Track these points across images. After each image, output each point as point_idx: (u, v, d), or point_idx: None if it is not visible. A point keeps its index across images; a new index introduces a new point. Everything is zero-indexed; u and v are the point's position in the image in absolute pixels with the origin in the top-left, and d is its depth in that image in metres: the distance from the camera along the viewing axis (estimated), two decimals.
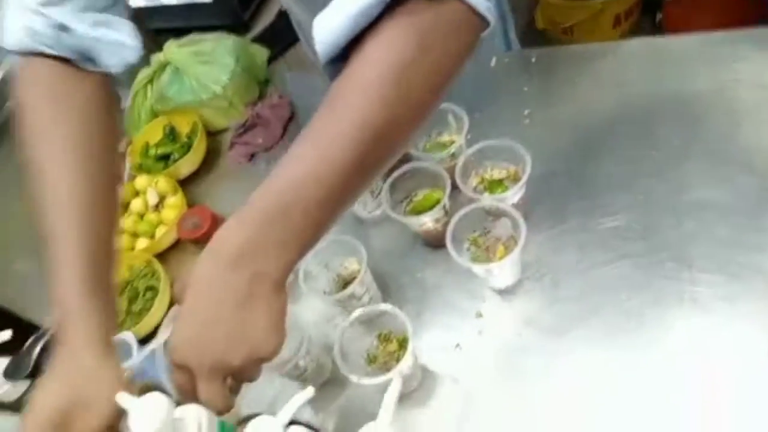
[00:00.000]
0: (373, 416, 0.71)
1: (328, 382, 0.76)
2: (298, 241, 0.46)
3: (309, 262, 0.77)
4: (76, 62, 0.64)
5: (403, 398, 0.70)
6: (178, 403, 0.48)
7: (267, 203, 0.45)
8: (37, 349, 0.59)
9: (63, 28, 0.61)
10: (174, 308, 0.55)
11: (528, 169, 0.72)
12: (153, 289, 0.92)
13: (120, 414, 0.45)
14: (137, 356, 0.68)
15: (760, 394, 0.59)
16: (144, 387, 0.54)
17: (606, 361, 0.66)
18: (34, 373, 0.59)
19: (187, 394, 0.47)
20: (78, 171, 0.57)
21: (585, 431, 0.62)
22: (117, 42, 0.64)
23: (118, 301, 0.58)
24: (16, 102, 0.60)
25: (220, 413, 0.47)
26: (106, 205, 0.58)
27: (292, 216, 0.45)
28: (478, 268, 0.69)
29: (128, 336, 0.78)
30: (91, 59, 0.65)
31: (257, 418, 0.39)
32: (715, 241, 0.70)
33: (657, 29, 1.94)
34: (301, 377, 0.73)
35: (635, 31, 1.96)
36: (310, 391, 0.40)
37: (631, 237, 0.74)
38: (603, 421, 0.62)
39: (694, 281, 0.68)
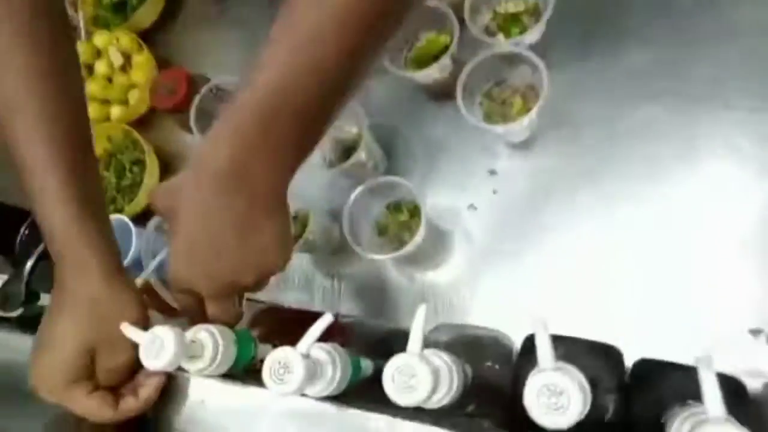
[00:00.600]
0: (384, 280, 0.71)
1: (338, 248, 0.74)
2: (294, 149, 0.40)
3: None
4: None
5: (418, 263, 0.69)
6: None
7: (250, 113, 0.38)
8: (27, 269, 0.55)
9: None
10: (156, 219, 0.49)
11: (551, 1, 0.61)
12: (139, 163, 0.86)
13: None
14: (150, 268, 0.64)
15: None
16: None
17: (629, 217, 0.62)
18: (30, 299, 0.55)
19: (194, 316, 0.46)
20: (39, 73, 0.45)
21: (604, 287, 0.61)
22: None
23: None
24: None
25: (231, 326, 0.46)
26: (78, 110, 0.49)
27: (281, 122, 0.38)
28: (492, 128, 0.62)
29: (121, 220, 0.73)
30: None
31: (277, 350, 0.36)
32: (754, 74, 0.61)
33: None
34: (310, 249, 0.71)
35: None
36: (328, 318, 0.37)
37: (661, 74, 0.65)
38: (624, 277, 0.61)
39: (731, 124, 0.61)
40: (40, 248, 0.55)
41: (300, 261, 0.75)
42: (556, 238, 0.65)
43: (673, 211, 0.61)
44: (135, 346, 0.41)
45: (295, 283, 0.75)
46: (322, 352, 0.39)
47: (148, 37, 0.93)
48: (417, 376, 0.33)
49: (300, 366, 0.36)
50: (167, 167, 0.88)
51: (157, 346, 0.39)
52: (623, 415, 0.40)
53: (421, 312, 0.35)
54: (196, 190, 0.40)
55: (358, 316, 0.56)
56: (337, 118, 0.41)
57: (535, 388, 0.31)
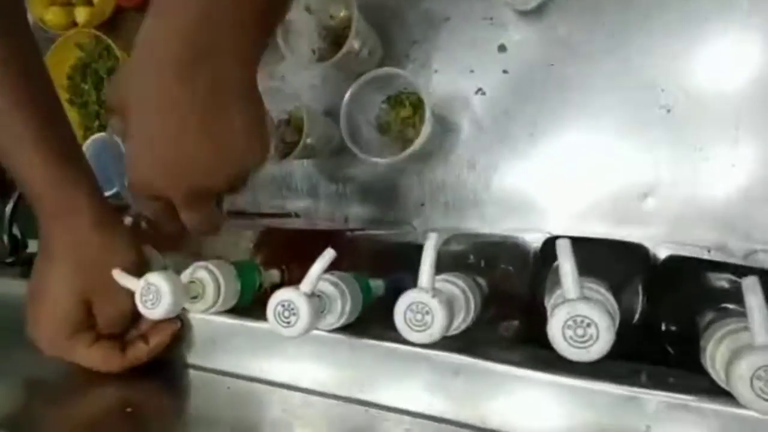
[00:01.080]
0: (392, 179, 0.67)
1: (340, 150, 0.69)
2: (253, 21, 0.35)
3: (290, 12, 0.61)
4: None
5: (426, 157, 0.65)
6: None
7: None
8: (6, 216, 0.51)
9: None
10: (114, 121, 0.43)
11: None
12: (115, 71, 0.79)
13: None
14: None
15: None
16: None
17: (655, 86, 0.56)
18: (17, 247, 0.52)
19: (171, 225, 0.41)
20: None
21: (629, 171, 0.57)
22: None
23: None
24: None
25: (213, 234, 0.42)
26: (38, 64, 0.44)
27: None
28: None
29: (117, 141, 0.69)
30: None
31: (281, 290, 0.34)
32: None
33: None
34: (310, 155, 0.66)
35: None
36: (330, 253, 0.33)
37: None
38: (655, 150, 0.56)
39: None
40: (16, 195, 0.51)
41: (302, 167, 0.71)
42: (574, 120, 0.59)
43: (702, 73, 0.54)
44: (131, 294, 0.39)
45: (300, 191, 0.72)
46: (329, 285, 0.37)
47: None
48: (431, 312, 0.31)
49: (305, 306, 0.33)
50: None
51: (153, 295, 0.37)
52: (653, 317, 0.38)
53: (430, 242, 0.31)
54: (149, 79, 0.35)
55: (366, 229, 0.53)
56: None
57: (561, 319, 0.28)
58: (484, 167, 0.63)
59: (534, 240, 0.45)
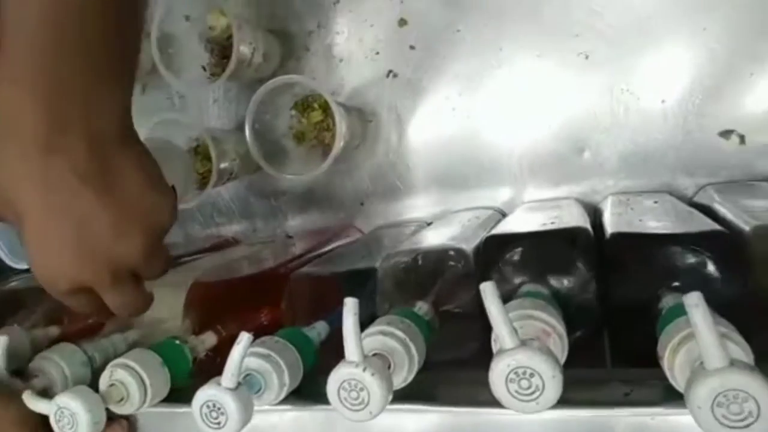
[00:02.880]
0: (324, 184, 0.63)
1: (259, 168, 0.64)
2: (112, 67, 0.33)
3: (164, 24, 0.55)
4: None
5: (352, 155, 0.60)
6: None
7: (32, 50, 0.30)
8: None
9: None
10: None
11: None
12: None
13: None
14: None
15: None
16: None
17: (570, 33, 0.52)
18: None
19: (98, 314, 0.39)
20: None
21: (557, 124, 0.54)
22: None
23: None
24: None
25: (142, 312, 0.40)
26: None
27: (77, 39, 0.31)
28: None
29: None
30: None
31: (202, 389, 0.30)
32: None
33: None
34: (231, 178, 0.61)
35: None
36: (245, 338, 0.30)
37: None
38: (573, 108, 0.53)
39: None
40: None
41: (228, 190, 0.66)
42: (493, 81, 0.55)
43: (614, 10, 0.51)
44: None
45: (232, 213, 0.67)
46: (259, 360, 0.33)
47: None
48: (365, 388, 0.28)
49: (232, 404, 0.30)
50: None
51: (68, 418, 0.33)
52: (606, 300, 0.36)
53: (348, 309, 0.28)
54: (22, 167, 0.32)
55: (307, 252, 0.49)
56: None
57: (502, 374, 0.25)
58: (412, 152, 0.59)
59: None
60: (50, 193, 0.32)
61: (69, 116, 0.32)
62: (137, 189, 0.35)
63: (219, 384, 0.30)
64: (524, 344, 0.25)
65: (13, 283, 0.64)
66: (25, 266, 0.67)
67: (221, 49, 0.57)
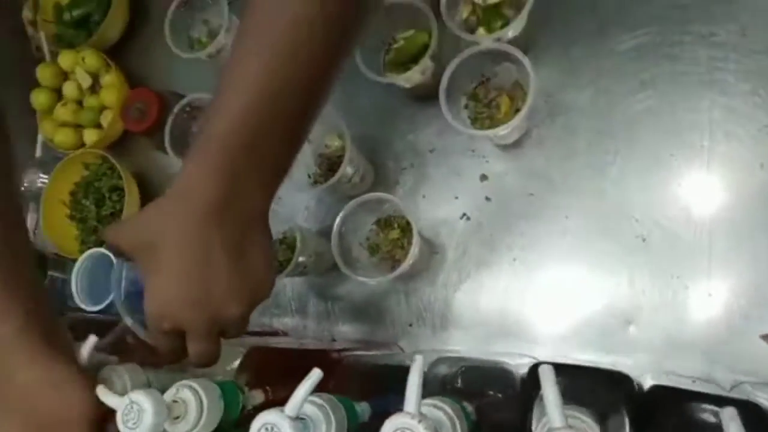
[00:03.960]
0: (379, 298, 0.68)
1: (331, 268, 0.71)
2: (276, 168, 0.41)
3: None
4: None
5: (413, 278, 0.66)
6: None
7: (232, 139, 0.38)
8: None
9: None
10: (119, 263, 0.45)
11: None
12: (118, 190, 0.82)
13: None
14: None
15: None
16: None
17: (632, 214, 0.59)
18: None
19: (174, 358, 0.44)
20: None
21: (608, 286, 0.59)
22: None
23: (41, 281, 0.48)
24: None
25: (212, 365, 0.44)
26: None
27: (263, 145, 0.39)
28: (481, 133, 0.59)
29: (101, 253, 0.70)
30: None
31: (264, 413, 0.33)
32: (752, 55, 0.57)
33: None
34: (302, 272, 0.67)
35: None
36: (316, 374, 0.34)
37: (654, 58, 0.61)
38: (630, 276, 0.58)
39: (728, 113, 0.58)
40: None
41: (292, 284, 0.72)
42: (555, 247, 0.61)
43: (677, 211, 0.58)
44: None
45: (289, 308, 0.72)
46: (314, 408, 0.36)
47: (115, 53, 0.89)
48: None
49: (289, 430, 0.33)
50: (146, 192, 0.84)
51: (135, 414, 0.36)
52: None
53: (416, 365, 0.32)
54: (184, 223, 0.39)
55: (352, 348, 0.53)
56: (312, 126, 0.42)
57: None
58: (469, 290, 0.64)
59: (521, 365, 0.45)
60: (192, 245, 0.39)
61: (236, 196, 0.39)
62: (260, 265, 0.41)
63: (281, 411, 0.33)
64: (570, 426, 0.28)
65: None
66: (94, 309, 0.73)
67: (329, 165, 0.67)
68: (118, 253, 0.43)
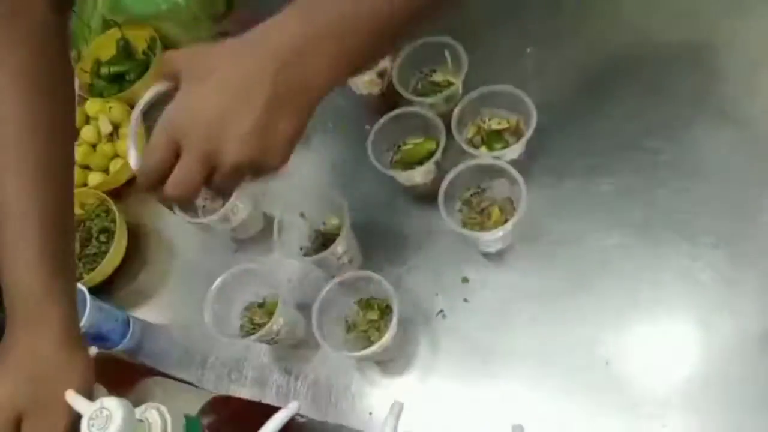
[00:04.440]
0: (344, 381, 0.68)
1: (300, 343, 0.71)
2: (348, 56, 0.41)
3: (286, 212, 0.69)
4: None
5: (381, 367, 0.67)
6: None
7: (326, 11, 0.40)
8: None
9: None
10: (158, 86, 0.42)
11: (533, 124, 0.65)
12: (107, 232, 0.84)
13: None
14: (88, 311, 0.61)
15: (752, 372, 0.57)
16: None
17: (598, 338, 0.62)
18: None
19: (156, 178, 0.40)
20: (31, 110, 0.45)
21: (573, 409, 0.60)
22: None
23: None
24: None
25: (176, 200, 0.40)
26: (63, 154, 0.49)
27: (343, 26, 0.40)
28: (469, 234, 0.63)
29: (80, 288, 0.70)
30: None
31: None
32: (723, 213, 0.65)
33: None
34: (272, 341, 0.68)
35: None
36: (294, 407, 0.34)
37: (633, 201, 0.68)
38: (594, 399, 0.60)
39: (695, 257, 0.64)
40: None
41: (257, 353, 0.72)
42: (523, 357, 0.64)
43: (644, 336, 0.61)
44: (68, 415, 0.38)
45: (248, 378, 0.71)
46: None
47: None
48: None
49: None
50: (135, 241, 0.86)
51: (104, 420, 0.36)
52: None
53: (392, 414, 0.33)
54: (246, 57, 0.39)
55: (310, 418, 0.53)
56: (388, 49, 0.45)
57: None
58: (436, 385, 0.65)
59: None
60: (240, 75, 0.38)
61: (305, 57, 0.39)
62: (286, 134, 0.39)
63: None
64: None
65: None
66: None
67: (323, 241, 0.71)
68: (170, 74, 0.41)
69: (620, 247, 0.66)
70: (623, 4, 0.81)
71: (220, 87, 0.38)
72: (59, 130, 0.48)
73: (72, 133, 0.50)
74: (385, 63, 0.75)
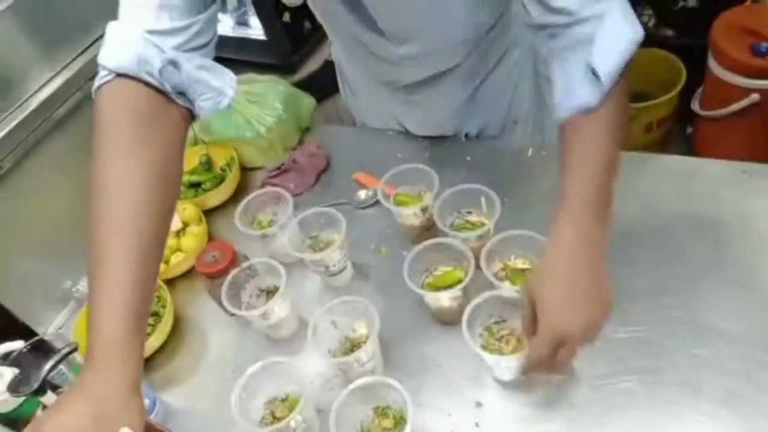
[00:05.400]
0: None
1: None
2: (606, 216, 0.63)
3: (318, 318, 0.76)
4: (168, 94, 0.62)
5: None
6: None
7: (591, 200, 0.62)
8: (47, 366, 0.58)
9: (173, 63, 0.61)
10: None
11: None
12: (156, 315, 0.91)
13: None
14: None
15: None
16: None
17: None
18: (39, 391, 0.57)
19: (545, 366, 0.61)
20: (151, 199, 0.56)
21: None
22: (218, 89, 0.65)
23: None
24: (96, 117, 0.59)
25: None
26: (161, 238, 0.58)
27: (600, 198, 0.62)
28: (488, 357, 0.68)
29: None
30: (183, 94, 0.64)
31: None
32: (726, 372, 0.69)
33: (687, 140, 1.98)
34: None
35: (666, 138, 2.00)
36: None
37: (642, 352, 0.73)
38: None
39: (699, 410, 0.66)
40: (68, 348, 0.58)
41: None
42: None
43: None
44: None
45: None
46: None
47: (207, 213, 1.07)
48: None
49: None
50: (176, 328, 0.93)
51: None
52: None
53: None
54: (560, 265, 0.62)
55: None
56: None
57: None
58: None
59: None
60: (574, 271, 0.62)
61: (592, 244, 0.63)
62: (603, 285, 0.63)
63: None
64: None
65: None
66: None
67: (351, 346, 0.77)
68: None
69: (627, 393, 0.70)
70: (637, 177, 0.92)
71: (571, 285, 0.61)
72: (166, 218, 0.58)
73: (170, 221, 0.60)
74: (427, 201, 0.86)
